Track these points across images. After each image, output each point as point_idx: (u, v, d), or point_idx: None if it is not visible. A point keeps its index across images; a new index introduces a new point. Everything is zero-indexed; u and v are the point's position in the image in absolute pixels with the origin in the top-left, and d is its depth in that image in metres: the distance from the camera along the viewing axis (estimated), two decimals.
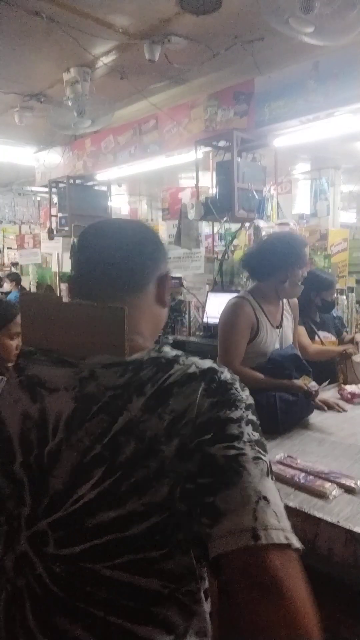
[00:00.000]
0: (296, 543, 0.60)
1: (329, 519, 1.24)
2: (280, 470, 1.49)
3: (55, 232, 5.37)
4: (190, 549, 0.65)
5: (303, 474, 1.46)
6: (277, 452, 1.64)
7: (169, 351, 0.74)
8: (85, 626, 0.64)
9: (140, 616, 0.64)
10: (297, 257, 2.05)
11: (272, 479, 0.65)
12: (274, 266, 2.05)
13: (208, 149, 4.09)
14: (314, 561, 1.33)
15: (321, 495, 1.36)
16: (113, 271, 0.79)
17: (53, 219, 5.36)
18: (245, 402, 0.69)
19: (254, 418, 0.69)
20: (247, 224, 3.90)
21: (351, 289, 4.79)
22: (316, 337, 2.76)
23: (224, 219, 3.72)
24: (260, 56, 3.56)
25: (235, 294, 2.18)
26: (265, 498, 0.62)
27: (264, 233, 3.59)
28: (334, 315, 3.13)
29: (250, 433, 0.67)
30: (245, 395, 0.71)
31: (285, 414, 1.87)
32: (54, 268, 6.08)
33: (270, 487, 0.64)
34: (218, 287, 4.07)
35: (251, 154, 3.94)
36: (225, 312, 2.09)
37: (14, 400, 0.75)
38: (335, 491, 1.38)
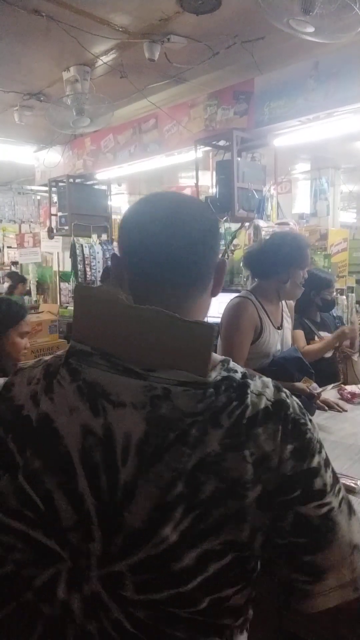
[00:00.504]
0: None
1: None
2: None
3: (55, 231, 5.38)
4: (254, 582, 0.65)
5: None
6: None
7: (235, 368, 0.68)
8: None
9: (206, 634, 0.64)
10: (299, 258, 2.03)
11: (353, 511, 0.66)
12: (276, 266, 2.03)
13: (208, 148, 4.09)
14: None
15: None
16: (177, 269, 0.69)
17: (53, 218, 5.36)
18: (317, 440, 0.66)
19: (325, 454, 0.67)
20: (247, 224, 3.90)
21: (351, 289, 4.80)
22: (316, 337, 2.76)
23: (224, 218, 3.72)
24: (260, 55, 3.55)
25: (235, 294, 2.17)
26: (356, 547, 0.64)
27: (263, 233, 3.60)
28: (334, 315, 3.13)
29: (330, 478, 0.65)
30: (314, 428, 0.67)
31: None
32: (55, 267, 6.10)
33: (356, 529, 0.65)
34: None
35: (250, 154, 3.93)
36: (228, 312, 2.06)
37: (70, 409, 0.64)
38: None
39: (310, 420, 0.67)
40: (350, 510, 0.66)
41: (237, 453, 0.60)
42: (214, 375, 0.64)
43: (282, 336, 2.14)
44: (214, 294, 0.78)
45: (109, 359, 0.65)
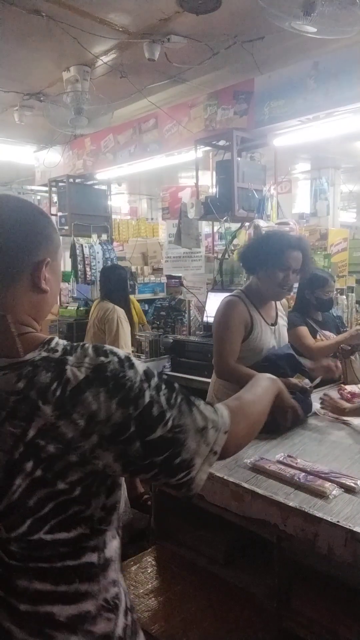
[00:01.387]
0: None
1: (329, 518, 1.24)
2: (280, 470, 1.49)
3: None
4: (103, 493, 0.77)
5: (303, 474, 1.46)
6: (277, 452, 1.64)
7: (55, 347, 0.76)
8: (40, 580, 0.75)
9: (74, 555, 0.77)
10: (275, 258, 2.02)
11: (191, 402, 0.79)
12: (256, 263, 2.09)
13: (208, 148, 4.09)
14: (314, 561, 1.33)
15: (321, 495, 1.36)
16: None
17: (53, 218, 5.35)
18: (140, 379, 0.75)
19: (154, 381, 0.76)
20: (247, 224, 3.89)
21: (351, 289, 4.80)
22: (318, 336, 2.77)
23: (224, 218, 3.72)
24: (260, 55, 3.55)
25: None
26: (204, 427, 0.79)
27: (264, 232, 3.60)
28: (334, 315, 3.13)
29: (164, 397, 0.76)
30: (134, 371, 0.75)
31: None
32: None
33: (198, 416, 0.79)
34: (218, 286, 4.07)
35: (250, 154, 3.93)
36: (219, 311, 2.11)
37: None
38: (335, 491, 1.38)
39: (131, 366, 0.76)
40: (189, 404, 0.79)
41: (68, 419, 0.71)
42: (33, 356, 0.75)
43: (277, 333, 2.16)
44: (38, 291, 0.82)
45: None
